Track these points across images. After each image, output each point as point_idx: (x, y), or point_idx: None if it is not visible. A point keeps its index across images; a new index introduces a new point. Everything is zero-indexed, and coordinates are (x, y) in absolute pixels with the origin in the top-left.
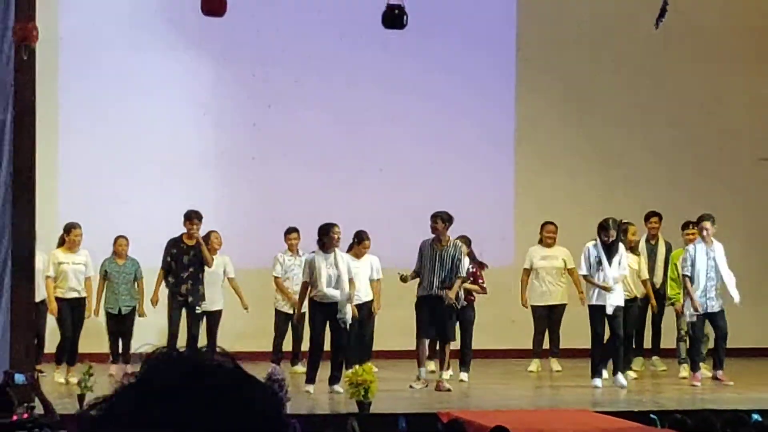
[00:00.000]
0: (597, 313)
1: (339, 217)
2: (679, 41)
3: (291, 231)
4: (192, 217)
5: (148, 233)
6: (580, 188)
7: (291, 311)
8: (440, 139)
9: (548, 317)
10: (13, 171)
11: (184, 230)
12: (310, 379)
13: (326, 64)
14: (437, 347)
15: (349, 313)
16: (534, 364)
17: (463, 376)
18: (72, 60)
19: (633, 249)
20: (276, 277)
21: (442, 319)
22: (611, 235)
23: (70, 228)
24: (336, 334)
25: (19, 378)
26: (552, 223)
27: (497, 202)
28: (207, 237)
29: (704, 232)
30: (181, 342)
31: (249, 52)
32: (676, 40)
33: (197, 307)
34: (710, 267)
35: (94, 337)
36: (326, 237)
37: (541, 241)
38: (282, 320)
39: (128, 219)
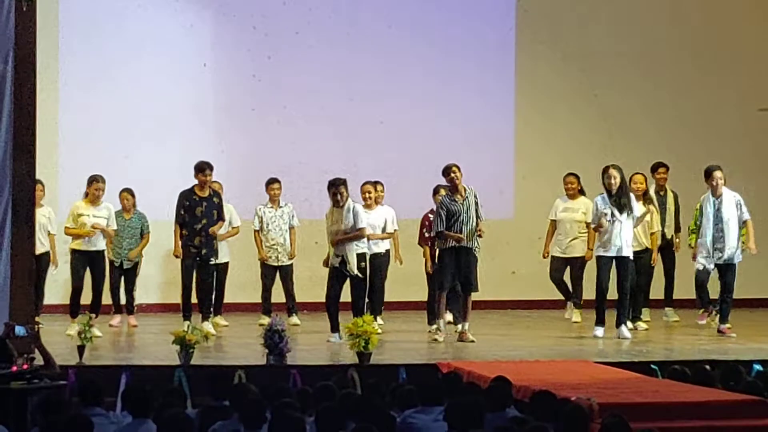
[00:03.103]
0: (605, 264)
1: (339, 169)
2: None
3: (273, 182)
4: (204, 168)
5: (148, 186)
6: (581, 142)
7: (276, 264)
8: (440, 93)
9: (569, 269)
10: (13, 123)
11: (195, 182)
12: (334, 328)
13: (327, 16)
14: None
15: (354, 265)
16: (571, 312)
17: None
18: (72, 12)
19: (644, 199)
20: (255, 231)
21: (468, 268)
22: (613, 177)
23: (91, 181)
24: (354, 286)
25: (20, 330)
26: (573, 174)
27: (497, 156)
28: None
29: (715, 182)
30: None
31: (249, 3)
32: None
33: (210, 260)
34: (718, 218)
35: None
36: (328, 192)
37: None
38: (268, 273)
39: (128, 172)
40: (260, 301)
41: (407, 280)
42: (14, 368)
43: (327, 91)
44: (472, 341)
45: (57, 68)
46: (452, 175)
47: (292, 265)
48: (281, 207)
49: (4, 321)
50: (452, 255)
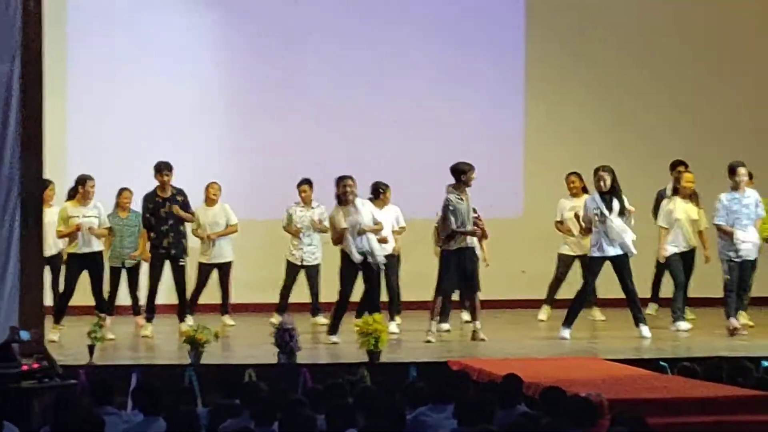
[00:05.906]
0: (596, 265)
1: (351, 169)
2: None
3: (303, 182)
4: (162, 169)
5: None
6: (590, 141)
7: (299, 264)
8: (451, 93)
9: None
10: (21, 123)
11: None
12: (334, 329)
13: (338, 15)
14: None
15: (381, 255)
16: (544, 313)
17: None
18: (81, 10)
19: (692, 197)
20: (283, 227)
21: (472, 269)
22: (603, 178)
23: (85, 180)
24: (368, 283)
25: (24, 335)
26: (575, 173)
27: (507, 155)
28: (206, 189)
29: (738, 179)
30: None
31: (261, 3)
32: None
33: (181, 260)
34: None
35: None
36: (336, 189)
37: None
38: (292, 271)
39: (137, 173)
40: (272, 300)
41: (417, 280)
42: (24, 367)
43: (339, 91)
44: (483, 339)
45: (65, 67)
46: (471, 177)
47: (318, 265)
48: (313, 208)
49: (11, 324)
50: (457, 257)
